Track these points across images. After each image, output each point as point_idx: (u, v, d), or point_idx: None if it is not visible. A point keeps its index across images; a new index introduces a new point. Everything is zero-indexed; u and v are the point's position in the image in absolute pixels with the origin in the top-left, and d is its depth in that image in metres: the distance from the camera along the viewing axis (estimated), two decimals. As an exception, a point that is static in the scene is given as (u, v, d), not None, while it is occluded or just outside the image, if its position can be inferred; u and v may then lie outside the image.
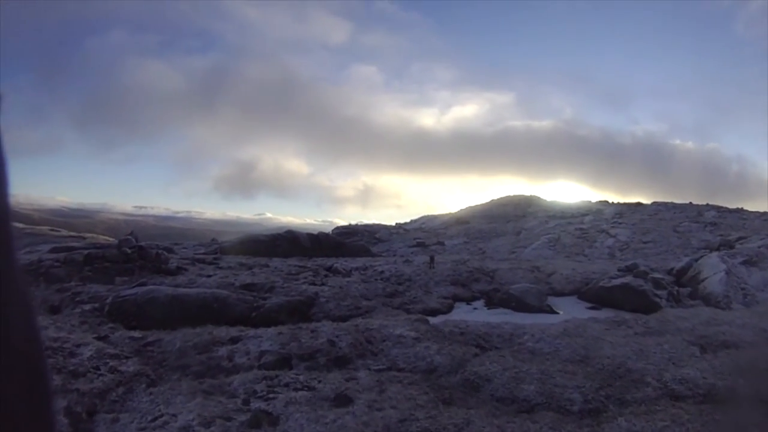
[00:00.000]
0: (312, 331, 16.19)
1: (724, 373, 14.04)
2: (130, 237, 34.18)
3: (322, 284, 30.69)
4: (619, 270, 35.02)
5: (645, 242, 63.07)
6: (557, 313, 28.65)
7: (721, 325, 19.93)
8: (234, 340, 15.33)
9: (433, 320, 21.47)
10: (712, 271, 34.04)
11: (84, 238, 57.30)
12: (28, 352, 1.54)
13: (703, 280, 33.65)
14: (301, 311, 24.93)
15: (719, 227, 67.62)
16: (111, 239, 51.48)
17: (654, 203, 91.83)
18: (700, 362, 15.22)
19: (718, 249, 41.59)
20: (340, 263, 40.52)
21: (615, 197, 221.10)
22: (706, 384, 13.34)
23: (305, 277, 32.67)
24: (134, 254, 32.00)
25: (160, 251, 33.54)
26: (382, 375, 13.26)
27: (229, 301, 24.30)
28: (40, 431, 1.56)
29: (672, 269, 37.42)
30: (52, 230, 66.99)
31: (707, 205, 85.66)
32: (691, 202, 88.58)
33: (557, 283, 36.03)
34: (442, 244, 72.29)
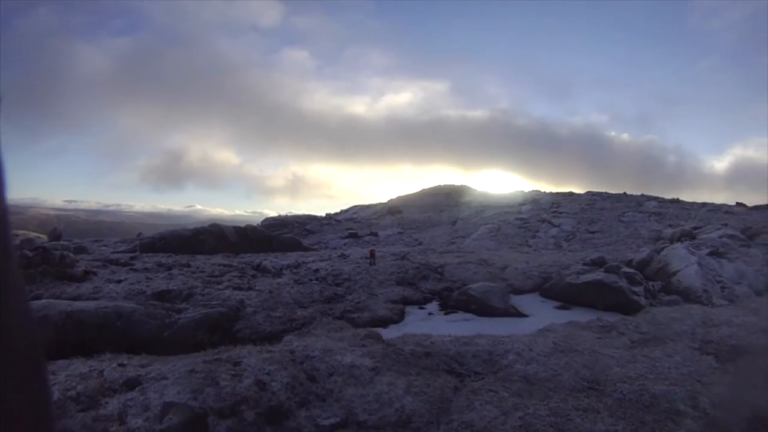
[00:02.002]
0: (234, 365, 11.92)
1: (759, 389, 11.65)
2: (33, 237, 30.10)
3: (249, 288, 26.56)
4: (585, 264, 31.74)
5: (592, 232, 60.86)
6: (525, 315, 25.17)
7: (720, 326, 17.62)
8: (130, 385, 10.88)
9: (386, 334, 17.77)
10: (683, 263, 31.39)
11: (16, 235, 53.42)
12: (27, 351, 1.59)
13: (674, 274, 30.84)
14: (224, 327, 20.71)
15: (664, 217, 66.49)
16: (42, 236, 50.25)
17: (588, 192, 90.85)
18: (724, 376, 12.92)
19: (679, 239, 39.15)
20: (269, 260, 36.61)
21: (548, 187, 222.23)
22: (748, 406, 10.82)
23: (230, 280, 28.49)
24: (36, 258, 27.56)
25: (65, 253, 29.08)
26: (338, 440, 9.27)
27: (135, 318, 19.86)
28: (40, 431, 1.60)
29: (631, 261, 34.58)
30: None
31: (642, 195, 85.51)
32: (625, 192, 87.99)
33: (514, 279, 32.30)
34: (375, 234, 69.24)
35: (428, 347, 14.68)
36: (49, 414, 1.57)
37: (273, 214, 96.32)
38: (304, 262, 35.65)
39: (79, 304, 20.31)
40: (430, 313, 26.04)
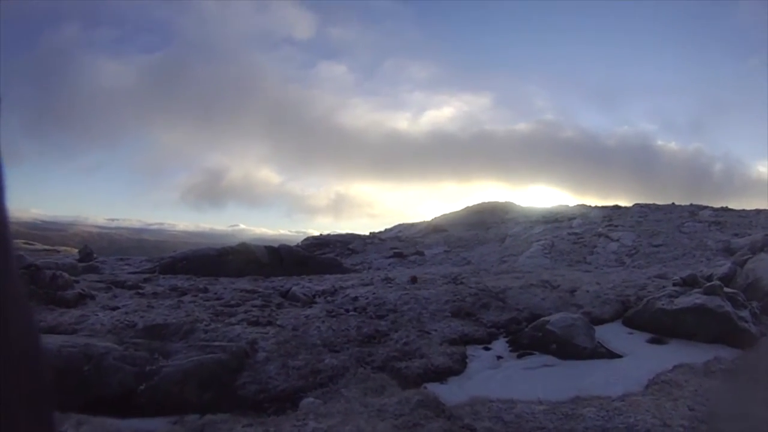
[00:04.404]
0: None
1: None
2: (22, 253, 26.14)
3: (269, 323, 21.18)
4: (674, 284, 26.31)
5: (655, 246, 55.60)
6: (618, 356, 19.62)
7: None
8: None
9: (446, 395, 12.94)
10: (779, 278, 26.67)
11: (58, 252, 56.22)
12: (28, 353, 1.62)
13: (772, 291, 26.14)
14: (222, 382, 15.09)
15: (725, 226, 61.31)
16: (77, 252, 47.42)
17: (636, 205, 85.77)
18: None
19: (762, 249, 34.28)
20: (302, 285, 31.53)
21: (594, 200, 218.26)
22: None
23: (247, 311, 23.16)
24: (24, 277, 23.18)
25: (58, 273, 24.75)
26: None
27: (107, 363, 14.73)
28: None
29: (710, 276, 29.31)
30: (26, 243, 64.89)
31: (691, 204, 79.91)
32: (674, 203, 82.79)
33: (590, 305, 26.62)
34: (421, 254, 64.59)
35: (512, 424, 10.06)
36: (50, 414, 1.72)
37: (316, 233, 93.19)
38: (341, 288, 30.52)
39: (44, 340, 15.56)
40: (498, 357, 19.97)
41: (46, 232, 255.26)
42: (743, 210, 73.21)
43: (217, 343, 17.12)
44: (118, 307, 22.41)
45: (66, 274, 25.21)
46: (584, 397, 12.06)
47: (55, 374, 13.75)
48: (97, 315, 20.52)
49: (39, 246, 63.51)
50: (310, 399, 12.68)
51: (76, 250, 47.10)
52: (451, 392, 14.05)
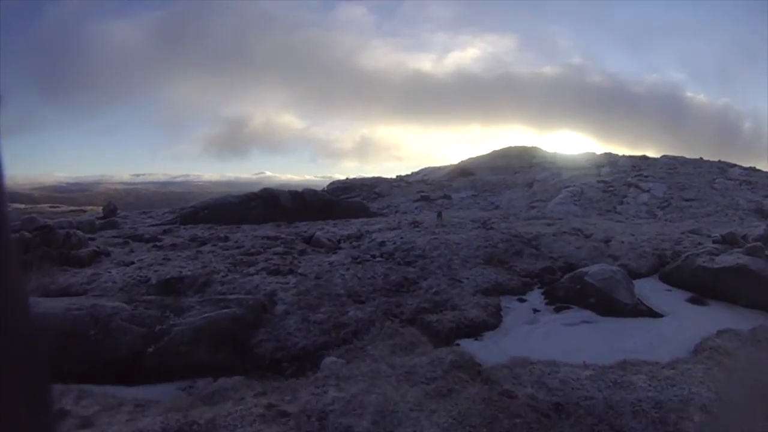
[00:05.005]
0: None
1: None
2: (34, 215, 25.45)
3: (290, 271, 19.99)
4: (714, 242, 25.71)
5: (687, 200, 54.76)
6: (659, 315, 18.18)
7: None
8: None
9: (481, 354, 12.16)
10: (824, 244, 25.00)
11: (84, 212, 56.66)
12: (26, 345, 1.55)
13: (818, 257, 24.21)
14: (237, 340, 13.84)
15: (756, 186, 61.00)
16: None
17: (664, 156, 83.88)
18: None
19: None
20: (326, 230, 31.12)
21: (620, 149, 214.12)
22: None
23: (267, 260, 21.99)
24: (36, 239, 22.50)
25: (71, 232, 23.93)
26: None
27: (114, 325, 13.64)
28: (39, 429, 1.58)
29: (745, 236, 27.73)
30: (51, 207, 67.60)
31: (719, 161, 78.28)
32: (702, 158, 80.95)
33: (626, 258, 25.47)
34: (448, 197, 64.01)
35: (557, 391, 9.07)
36: (48, 410, 1.60)
37: (342, 177, 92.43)
38: (368, 232, 29.75)
39: (49, 303, 14.49)
40: (535, 310, 18.70)
41: (72, 194, 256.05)
42: (776, 171, 71.54)
43: (233, 296, 16.01)
44: (133, 262, 21.61)
45: (80, 233, 24.43)
46: (631, 362, 11.07)
47: (61, 339, 12.51)
48: (110, 272, 19.48)
49: (65, 208, 65.48)
50: (332, 358, 11.60)
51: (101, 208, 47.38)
52: (487, 350, 13.13)
